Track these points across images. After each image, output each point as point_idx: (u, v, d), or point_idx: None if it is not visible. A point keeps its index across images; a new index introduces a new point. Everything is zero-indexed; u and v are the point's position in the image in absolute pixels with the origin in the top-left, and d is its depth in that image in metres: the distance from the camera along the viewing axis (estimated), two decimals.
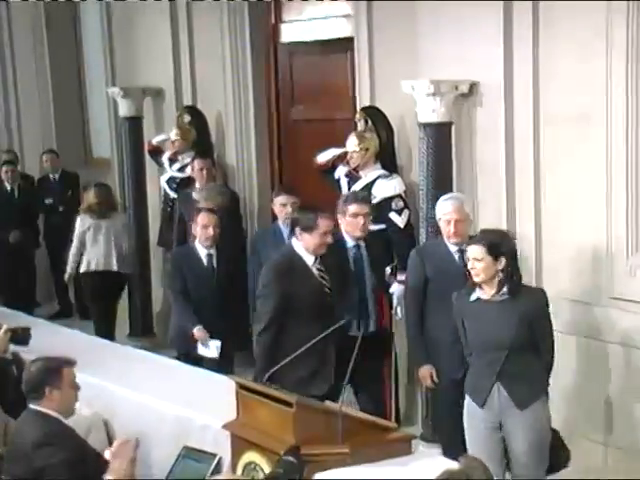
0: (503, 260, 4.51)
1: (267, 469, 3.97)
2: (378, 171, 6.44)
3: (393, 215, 6.30)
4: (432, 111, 5.90)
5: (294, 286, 5.13)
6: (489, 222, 5.92)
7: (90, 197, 8.15)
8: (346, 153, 6.54)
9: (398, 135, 6.52)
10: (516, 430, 4.50)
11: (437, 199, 5.68)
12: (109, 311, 8.21)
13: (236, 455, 4.19)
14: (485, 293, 4.59)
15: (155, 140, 8.36)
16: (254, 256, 6.53)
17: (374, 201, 6.31)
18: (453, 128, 6.04)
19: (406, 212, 6.32)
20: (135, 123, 8.59)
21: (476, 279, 4.55)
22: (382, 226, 6.24)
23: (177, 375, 5.39)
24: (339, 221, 5.58)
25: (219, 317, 6.24)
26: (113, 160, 9.37)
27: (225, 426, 4.28)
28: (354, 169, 6.51)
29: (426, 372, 5.34)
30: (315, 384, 4.99)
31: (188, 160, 7.89)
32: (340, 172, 6.63)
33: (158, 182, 8.47)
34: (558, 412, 5.32)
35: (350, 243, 5.57)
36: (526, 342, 4.52)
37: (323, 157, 6.72)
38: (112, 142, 9.39)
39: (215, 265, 6.36)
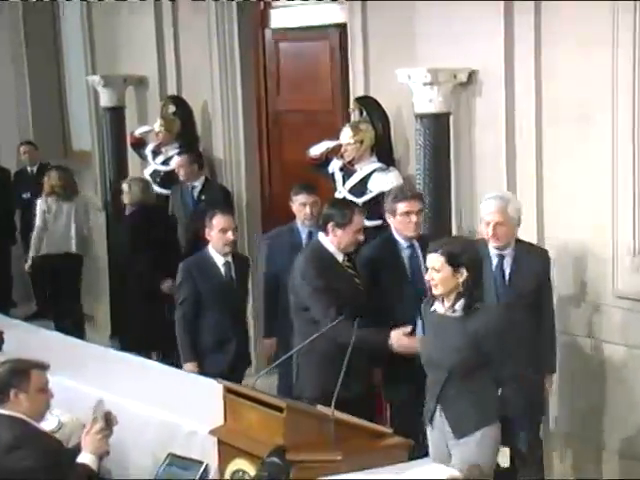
0: (464, 272, 4.31)
1: None
2: (374, 164, 6.45)
3: None
4: (429, 101, 5.90)
5: (337, 283, 5.13)
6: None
7: (52, 179, 8.32)
8: (340, 146, 6.55)
9: (394, 127, 6.53)
10: (454, 457, 4.32)
11: (434, 193, 5.71)
12: (69, 297, 8.41)
13: (224, 462, 4.20)
14: (441, 306, 4.42)
15: (138, 132, 8.36)
16: (269, 258, 6.27)
17: (370, 195, 6.36)
18: (451, 119, 6.04)
19: None
20: (117, 114, 8.58)
21: (435, 291, 4.38)
22: (378, 222, 6.19)
23: (162, 378, 5.39)
24: (387, 220, 5.48)
25: (238, 334, 5.91)
26: (94, 153, 9.36)
27: (212, 432, 4.29)
28: (349, 162, 6.51)
29: None
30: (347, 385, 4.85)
31: (172, 153, 7.90)
32: (334, 166, 6.63)
33: (141, 175, 8.47)
34: (559, 413, 5.38)
35: (404, 243, 5.41)
36: (472, 366, 4.31)
37: (316, 150, 6.72)
38: (93, 134, 9.39)
39: (234, 275, 5.93)
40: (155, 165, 8.11)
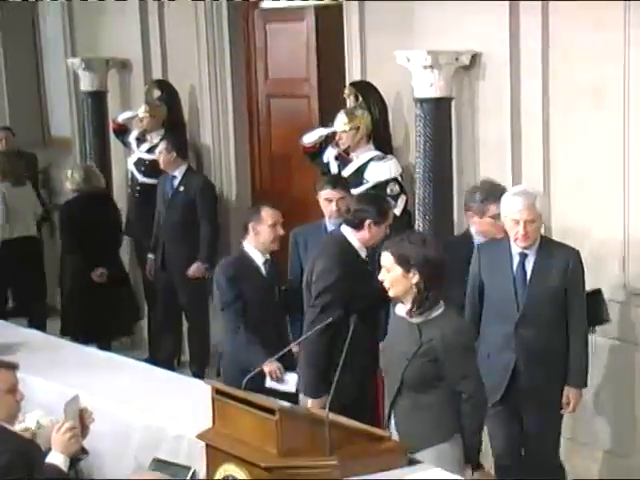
0: (416, 275, 4.19)
1: None
2: (371, 152, 6.45)
3: None
4: (430, 85, 5.91)
5: (355, 282, 5.14)
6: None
7: (4, 165, 8.57)
8: (335, 133, 6.55)
9: (393, 113, 6.54)
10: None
11: (434, 182, 5.70)
12: (35, 283, 8.63)
13: (212, 467, 4.19)
14: (403, 308, 4.31)
15: (121, 118, 8.35)
16: (294, 259, 6.06)
17: (367, 186, 6.37)
18: (453, 104, 6.05)
19: (402, 198, 6.33)
20: (98, 98, 8.58)
21: (389, 292, 4.29)
22: None
23: (147, 379, 5.40)
24: (468, 219, 5.40)
25: (281, 340, 5.62)
26: (74, 140, 9.35)
27: (200, 435, 4.27)
28: (344, 151, 6.51)
29: None
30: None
31: (158, 140, 7.88)
32: (329, 154, 6.63)
33: (125, 165, 8.46)
34: (573, 419, 5.38)
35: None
36: (425, 378, 4.21)
37: (309, 138, 6.72)
38: (73, 120, 9.38)
39: (274, 274, 5.75)
40: (139, 153, 8.10)
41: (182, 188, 7.68)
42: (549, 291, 4.95)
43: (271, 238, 5.61)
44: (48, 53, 9.93)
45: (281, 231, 5.65)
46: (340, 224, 5.43)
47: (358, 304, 4.98)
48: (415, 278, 4.21)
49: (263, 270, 5.67)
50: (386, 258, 4.27)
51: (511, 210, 4.94)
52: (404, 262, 4.21)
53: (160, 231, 7.80)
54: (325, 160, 6.67)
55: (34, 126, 10.07)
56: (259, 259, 5.66)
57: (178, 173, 7.71)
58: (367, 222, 5.25)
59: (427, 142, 5.94)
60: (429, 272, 4.20)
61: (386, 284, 4.29)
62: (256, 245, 5.64)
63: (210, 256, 7.60)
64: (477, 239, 5.36)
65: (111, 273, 8.03)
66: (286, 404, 4.09)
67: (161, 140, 7.79)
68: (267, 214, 5.62)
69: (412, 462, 4.05)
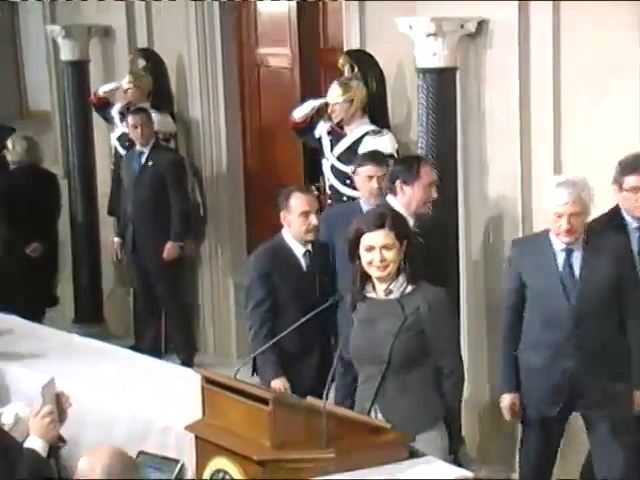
0: (404, 245, 4.26)
1: (239, 477, 3.97)
2: (366, 126, 6.43)
3: None
4: (433, 55, 5.89)
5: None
6: (500, 188, 5.98)
7: None
8: (327, 105, 6.51)
9: (393, 84, 6.51)
10: None
11: (438, 158, 5.67)
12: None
13: (202, 461, 4.18)
14: (373, 292, 4.31)
15: (102, 90, 8.32)
16: (323, 245, 5.64)
17: None
18: (458, 74, 6.02)
19: None
20: (80, 68, 8.56)
21: (380, 273, 4.23)
22: None
23: (132, 368, 5.39)
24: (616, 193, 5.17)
25: (321, 340, 5.42)
26: (54, 113, 9.34)
27: (189, 427, 4.27)
28: (337, 125, 6.48)
29: (508, 401, 5.02)
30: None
31: None
32: (321, 129, 6.61)
33: (108, 140, 8.43)
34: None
35: (633, 224, 5.15)
36: (413, 354, 4.25)
37: (300, 112, 6.70)
38: (52, 92, 9.35)
39: (314, 268, 5.41)
40: (123, 128, 8.06)
41: (150, 163, 7.70)
42: (601, 286, 4.79)
43: (303, 229, 5.32)
44: (26, 20, 9.88)
45: (314, 220, 5.32)
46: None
47: None
48: (404, 248, 4.26)
49: (303, 263, 5.39)
50: (386, 236, 4.23)
51: (554, 203, 4.76)
52: (401, 235, 4.26)
53: (128, 211, 7.80)
54: (317, 135, 6.65)
55: (11, 98, 10.06)
56: (299, 250, 5.38)
57: (147, 148, 7.72)
58: (397, 183, 5.28)
59: (430, 115, 5.93)
60: (412, 237, 4.33)
61: (384, 264, 4.23)
62: (293, 235, 5.38)
63: (182, 232, 7.66)
64: (625, 216, 5.14)
65: (45, 248, 8.27)
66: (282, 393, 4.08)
67: (143, 111, 7.75)
68: (296, 202, 5.30)
69: (413, 454, 4.04)
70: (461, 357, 4.46)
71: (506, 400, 5.02)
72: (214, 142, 8.01)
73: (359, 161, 5.89)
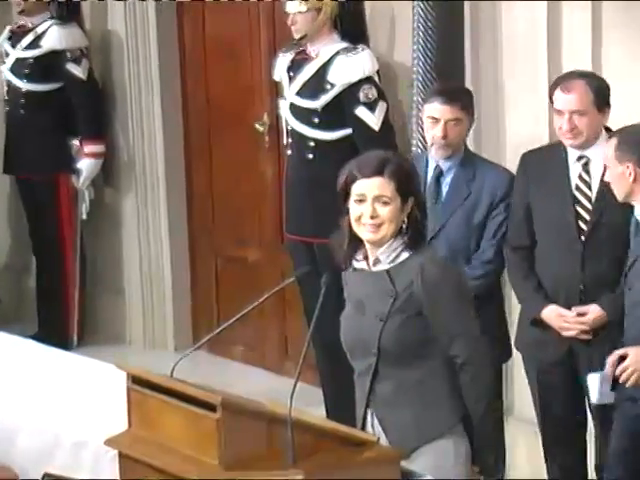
0: (410, 201, 4.26)
1: None
2: (336, 44, 6.44)
3: (362, 111, 6.25)
4: None
5: None
6: (519, 131, 6.02)
7: None
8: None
9: None
10: None
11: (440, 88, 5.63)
12: None
13: None
14: (363, 261, 4.34)
15: None
16: None
17: (332, 91, 6.36)
18: None
19: (382, 105, 6.31)
20: None
21: (374, 236, 4.24)
22: (346, 131, 6.30)
23: (36, 365, 5.39)
24: None
25: None
26: None
27: (110, 441, 4.27)
28: (299, 40, 6.43)
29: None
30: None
31: (45, 28, 7.91)
32: (280, 68, 6.60)
33: None
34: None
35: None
36: (409, 340, 4.24)
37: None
38: None
39: None
40: (18, 52, 8.08)
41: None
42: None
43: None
44: None
45: None
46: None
47: None
48: (409, 207, 4.24)
49: None
50: (384, 185, 4.20)
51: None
52: (405, 188, 4.22)
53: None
54: (277, 78, 6.70)
55: None
56: None
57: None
58: None
59: (429, 35, 5.92)
60: (421, 194, 4.42)
61: (377, 222, 4.22)
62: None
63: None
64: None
65: None
66: (232, 395, 4.05)
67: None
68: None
69: (406, 474, 4.06)
70: (480, 339, 4.32)
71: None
72: (141, 61, 7.96)
73: (427, 96, 5.78)
